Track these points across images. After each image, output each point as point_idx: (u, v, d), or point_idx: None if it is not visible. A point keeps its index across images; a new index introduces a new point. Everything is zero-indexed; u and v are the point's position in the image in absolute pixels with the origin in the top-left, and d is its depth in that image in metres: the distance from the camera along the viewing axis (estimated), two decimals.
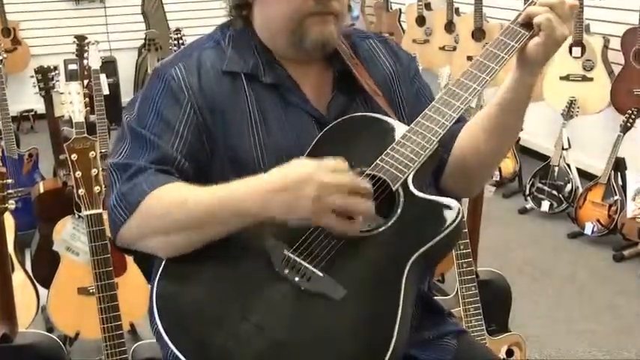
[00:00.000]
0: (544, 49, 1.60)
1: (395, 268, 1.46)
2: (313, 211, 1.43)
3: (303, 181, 1.43)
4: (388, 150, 1.59)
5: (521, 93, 1.66)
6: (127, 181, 1.58)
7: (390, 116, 1.71)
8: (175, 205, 1.52)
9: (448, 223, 1.49)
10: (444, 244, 1.52)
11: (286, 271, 1.47)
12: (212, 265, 1.52)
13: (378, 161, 1.57)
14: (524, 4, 1.66)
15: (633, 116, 4.60)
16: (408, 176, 1.55)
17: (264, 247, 1.50)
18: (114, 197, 1.58)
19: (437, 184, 1.79)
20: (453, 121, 1.60)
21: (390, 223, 1.52)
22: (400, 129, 1.64)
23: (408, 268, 1.45)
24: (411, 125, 1.62)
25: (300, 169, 1.46)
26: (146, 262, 1.58)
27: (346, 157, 1.59)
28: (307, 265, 1.47)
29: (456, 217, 1.50)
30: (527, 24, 1.62)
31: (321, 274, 1.46)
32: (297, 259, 1.48)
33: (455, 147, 1.75)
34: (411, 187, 1.55)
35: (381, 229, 1.51)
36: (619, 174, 4.64)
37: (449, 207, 1.52)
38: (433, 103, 1.63)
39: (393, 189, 1.54)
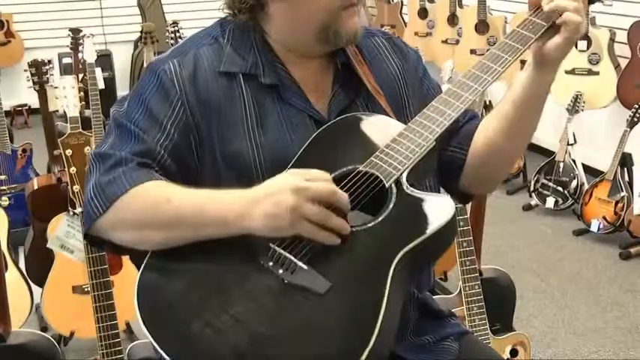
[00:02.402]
0: (563, 48, 1.61)
1: (381, 264, 1.45)
2: (291, 220, 1.44)
3: (282, 189, 1.44)
4: (383, 147, 1.59)
5: (539, 90, 1.66)
6: (107, 172, 1.57)
7: (391, 115, 1.71)
8: (156, 203, 1.53)
9: (439, 220, 1.48)
10: (436, 243, 1.51)
11: (270, 264, 1.47)
12: (195, 255, 1.52)
13: (372, 158, 1.58)
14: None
15: None
16: (402, 173, 1.55)
17: (248, 238, 1.50)
18: (91, 188, 1.58)
19: (455, 185, 1.80)
20: (453, 120, 1.60)
21: (379, 219, 1.51)
22: (398, 128, 1.64)
23: (394, 264, 1.44)
24: (409, 124, 1.62)
25: (280, 178, 1.48)
26: (142, 261, 1.58)
27: (340, 156, 1.61)
28: (292, 258, 1.47)
29: (448, 215, 1.49)
30: (548, 18, 1.62)
31: (305, 267, 1.46)
32: (282, 252, 1.48)
33: (472, 147, 1.76)
34: (405, 185, 1.55)
35: (370, 224, 1.51)
36: (625, 170, 4.63)
37: (442, 205, 1.52)
38: (432, 102, 1.63)
39: (386, 185, 1.54)
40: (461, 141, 1.77)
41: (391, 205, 1.53)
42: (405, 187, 1.55)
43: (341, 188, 1.53)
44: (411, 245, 1.46)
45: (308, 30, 1.66)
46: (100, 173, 1.58)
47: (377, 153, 1.58)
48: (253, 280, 1.47)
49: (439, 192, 1.81)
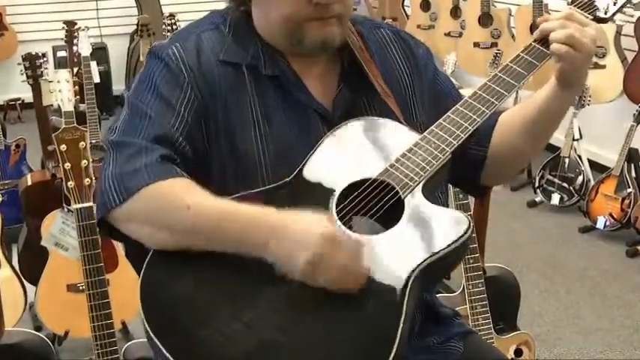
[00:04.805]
0: (576, 73, 1.64)
1: (398, 276, 1.45)
2: (301, 273, 1.44)
3: (311, 244, 1.43)
4: (399, 157, 1.59)
5: (561, 104, 1.70)
6: (127, 161, 1.55)
7: (399, 117, 1.70)
8: (175, 206, 1.51)
9: (455, 238, 1.49)
10: (451, 258, 1.52)
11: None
12: (205, 258, 1.50)
13: (388, 167, 1.58)
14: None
15: None
16: (418, 185, 1.55)
17: None
18: (109, 176, 1.55)
19: (477, 181, 1.84)
20: (469, 133, 1.62)
21: (396, 230, 1.52)
22: (411, 135, 1.64)
23: (412, 278, 1.45)
24: (424, 134, 1.63)
25: (314, 226, 1.45)
26: (138, 259, 1.57)
27: (353, 161, 1.61)
28: None
29: (465, 231, 1.50)
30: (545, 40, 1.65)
31: None
32: None
33: (493, 143, 1.79)
34: (421, 197, 1.55)
35: (386, 236, 1.51)
36: (632, 165, 4.63)
37: (458, 222, 1.53)
38: (449, 113, 1.65)
39: (402, 197, 1.54)
40: (480, 139, 1.79)
41: (407, 217, 1.53)
42: (420, 199, 1.55)
43: (356, 196, 1.54)
44: (426, 260, 1.47)
45: (279, 33, 1.66)
46: (119, 162, 1.56)
47: (392, 162, 1.58)
48: (266, 287, 1.46)
49: (447, 194, 1.82)
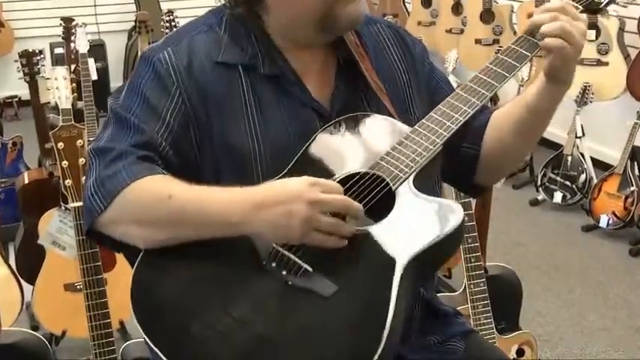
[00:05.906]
0: (565, 69, 1.65)
1: (388, 269, 1.44)
2: (302, 231, 1.45)
3: (295, 199, 1.44)
4: (390, 149, 1.60)
5: (551, 101, 1.71)
6: (107, 166, 1.57)
7: (393, 114, 1.71)
8: (157, 199, 1.52)
9: (448, 226, 1.49)
10: (444, 248, 1.51)
11: (273, 265, 1.48)
12: (194, 254, 1.51)
13: (378, 160, 1.59)
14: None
15: None
16: (409, 177, 1.56)
17: (250, 238, 1.50)
18: (91, 183, 1.57)
19: (471, 180, 1.85)
20: (460, 124, 1.62)
21: (387, 222, 1.52)
22: (403, 129, 1.65)
23: (402, 269, 1.44)
24: (415, 126, 1.63)
25: (292, 186, 1.47)
26: (136, 258, 1.57)
27: (345, 156, 1.62)
28: (296, 259, 1.47)
29: (458, 221, 1.49)
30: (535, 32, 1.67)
31: (310, 269, 1.46)
32: (286, 253, 1.48)
33: (485, 141, 1.81)
34: (412, 188, 1.55)
35: (377, 228, 1.51)
36: (635, 163, 4.63)
37: (450, 210, 1.52)
38: (440, 105, 1.65)
39: (393, 189, 1.54)
40: (473, 138, 1.80)
41: (398, 209, 1.53)
42: (411, 191, 1.55)
43: (347, 190, 1.53)
44: (418, 251, 1.46)
45: (306, 19, 1.65)
46: (100, 168, 1.58)
47: (383, 155, 1.59)
48: (255, 281, 1.47)
49: (441, 190, 1.83)
